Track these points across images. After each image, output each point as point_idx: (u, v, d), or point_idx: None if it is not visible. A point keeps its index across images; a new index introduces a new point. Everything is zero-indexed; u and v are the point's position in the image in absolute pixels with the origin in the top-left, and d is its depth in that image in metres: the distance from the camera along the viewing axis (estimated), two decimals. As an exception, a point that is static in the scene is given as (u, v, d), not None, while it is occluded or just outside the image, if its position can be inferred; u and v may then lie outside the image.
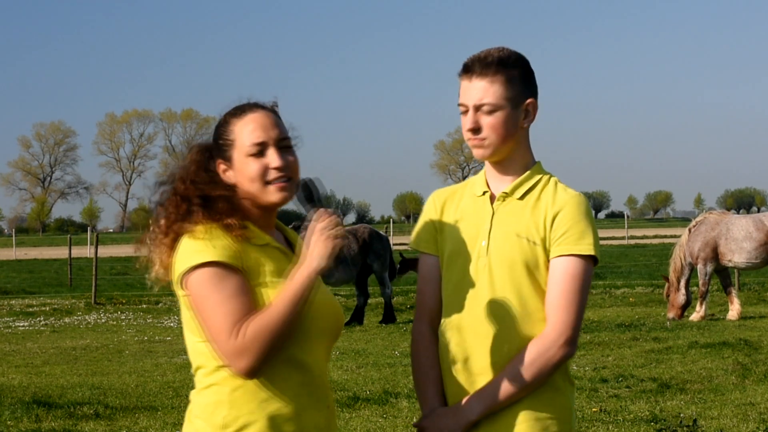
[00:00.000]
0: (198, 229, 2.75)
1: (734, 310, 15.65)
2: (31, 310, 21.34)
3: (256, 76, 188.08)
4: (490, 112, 2.95)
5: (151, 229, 2.85)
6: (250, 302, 2.69)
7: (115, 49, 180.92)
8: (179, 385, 10.22)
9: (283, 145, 2.84)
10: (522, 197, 3.02)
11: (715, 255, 15.78)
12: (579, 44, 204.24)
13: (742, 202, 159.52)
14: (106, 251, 45.00)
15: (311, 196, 2.81)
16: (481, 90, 2.95)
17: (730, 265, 15.88)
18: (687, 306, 15.73)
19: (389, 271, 17.28)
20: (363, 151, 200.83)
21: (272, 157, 2.80)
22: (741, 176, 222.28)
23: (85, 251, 46.99)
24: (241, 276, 2.71)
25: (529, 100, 3.01)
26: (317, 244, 2.67)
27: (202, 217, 2.77)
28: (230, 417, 2.71)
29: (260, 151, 2.81)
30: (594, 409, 8.40)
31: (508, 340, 2.95)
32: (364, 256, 16.84)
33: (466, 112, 2.99)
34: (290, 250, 2.91)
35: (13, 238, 63.78)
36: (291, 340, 2.71)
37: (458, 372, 2.99)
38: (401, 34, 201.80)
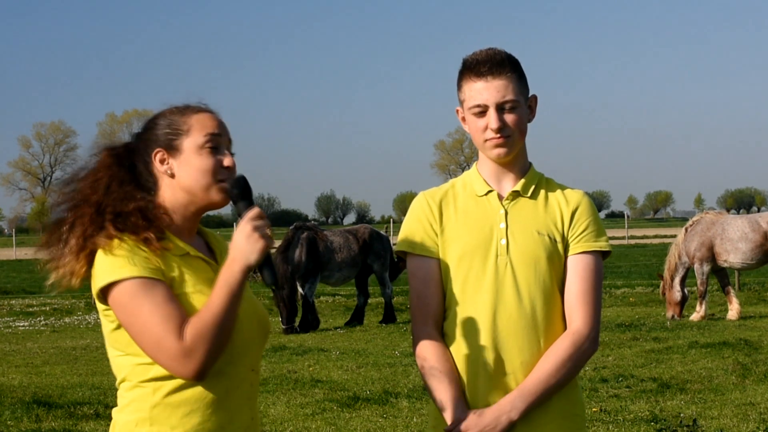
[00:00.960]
0: (114, 243, 2.64)
1: (733, 309, 15.65)
2: (31, 310, 21.36)
3: (256, 75, 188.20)
4: (512, 110, 2.98)
5: (63, 237, 2.71)
6: (182, 308, 2.61)
7: (115, 49, 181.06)
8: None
9: (230, 149, 2.81)
10: (532, 196, 3.05)
11: (711, 255, 15.78)
12: (579, 44, 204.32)
13: (742, 202, 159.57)
14: (106, 251, 45.04)
15: (247, 192, 2.74)
16: (503, 88, 2.96)
17: (726, 265, 15.88)
18: (684, 302, 15.74)
19: (390, 271, 17.27)
20: (363, 151, 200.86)
21: (223, 157, 2.75)
22: (741, 176, 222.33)
23: (85, 251, 46.93)
24: (166, 286, 2.62)
25: (531, 96, 3.07)
26: (250, 240, 2.59)
27: (115, 230, 2.66)
28: None
29: (215, 147, 2.74)
30: (594, 409, 8.39)
31: (536, 338, 2.96)
32: (364, 256, 16.83)
33: (482, 113, 2.98)
34: (212, 257, 2.83)
35: (13, 238, 63.71)
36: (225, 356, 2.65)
37: (487, 372, 2.96)
38: (401, 33, 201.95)
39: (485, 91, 2.96)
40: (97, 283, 2.64)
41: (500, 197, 3.05)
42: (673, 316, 15.59)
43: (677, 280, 15.75)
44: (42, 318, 19.51)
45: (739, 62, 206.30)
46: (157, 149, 2.75)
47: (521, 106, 2.99)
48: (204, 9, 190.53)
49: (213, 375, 2.63)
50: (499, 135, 2.97)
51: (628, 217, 72.91)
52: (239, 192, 2.72)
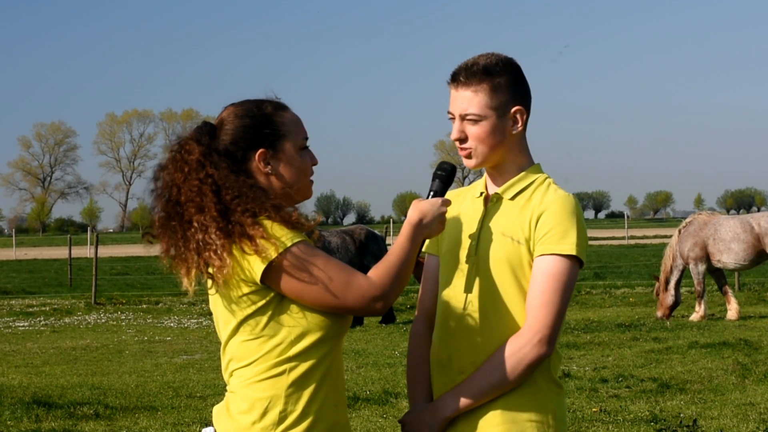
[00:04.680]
0: (265, 221, 2.71)
1: (732, 309, 15.67)
2: (31, 310, 21.33)
3: (256, 75, 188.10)
4: (476, 122, 2.93)
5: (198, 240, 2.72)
6: None
7: (115, 49, 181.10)
8: (179, 385, 10.23)
9: None
10: (513, 198, 2.99)
11: (705, 255, 15.82)
12: (579, 44, 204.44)
13: (742, 202, 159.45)
14: (106, 251, 45.08)
15: (450, 180, 2.98)
16: (466, 100, 2.92)
17: (720, 265, 15.92)
18: (675, 306, 15.76)
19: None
20: (363, 151, 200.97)
21: (312, 155, 2.91)
22: (741, 176, 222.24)
23: (85, 251, 47.03)
24: None
25: (515, 108, 2.95)
26: (438, 220, 2.85)
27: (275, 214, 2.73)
28: (288, 411, 2.73)
29: (307, 146, 2.90)
30: (594, 409, 8.40)
31: (489, 339, 2.93)
32: (361, 256, 16.85)
33: (454, 120, 2.98)
34: None
35: (13, 238, 63.77)
36: (344, 332, 2.82)
37: (442, 370, 3.01)
38: (401, 33, 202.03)
39: (454, 100, 2.96)
40: (270, 253, 2.66)
41: (488, 199, 3.06)
42: (661, 317, 15.64)
43: (672, 283, 15.78)
44: (42, 318, 19.49)
45: (739, 62, 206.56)
46: (261, 150, 2.81)
47: (488, 119, 2.91)
48: (203, 9, 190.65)
49: (332, 352, 2.79)
50: (461, 146, 2.97)
51: (628, 217, 72.97)
52: (447, 177, 2.96)
